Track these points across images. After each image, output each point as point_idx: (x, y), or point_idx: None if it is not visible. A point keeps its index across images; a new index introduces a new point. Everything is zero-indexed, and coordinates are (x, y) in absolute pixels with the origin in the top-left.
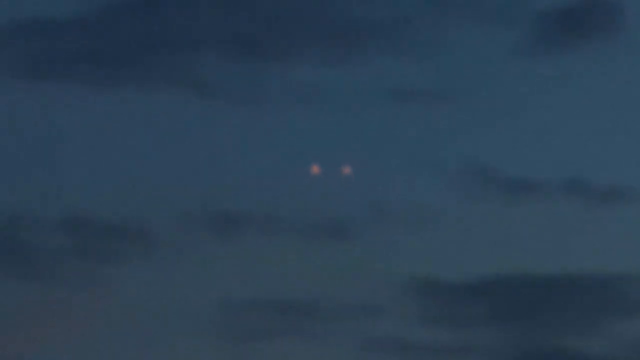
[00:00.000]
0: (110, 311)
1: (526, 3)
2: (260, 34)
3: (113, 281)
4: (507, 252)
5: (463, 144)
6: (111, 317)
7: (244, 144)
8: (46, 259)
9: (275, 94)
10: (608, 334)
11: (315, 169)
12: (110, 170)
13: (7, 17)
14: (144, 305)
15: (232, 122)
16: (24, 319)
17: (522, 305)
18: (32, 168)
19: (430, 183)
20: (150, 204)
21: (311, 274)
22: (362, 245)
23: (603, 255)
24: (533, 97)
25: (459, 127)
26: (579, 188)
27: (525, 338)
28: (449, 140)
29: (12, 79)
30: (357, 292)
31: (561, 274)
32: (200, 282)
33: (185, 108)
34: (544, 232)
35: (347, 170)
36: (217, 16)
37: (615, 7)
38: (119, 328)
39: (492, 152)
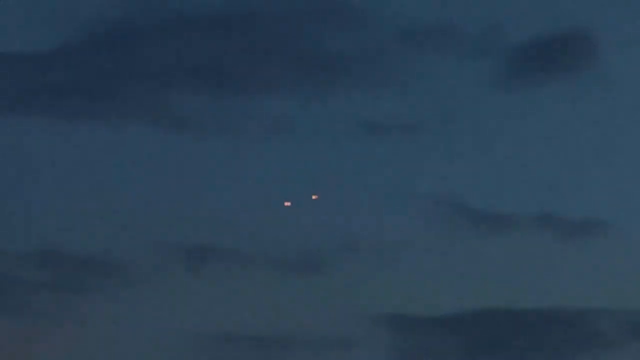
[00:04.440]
0: (83, 343)
1: (500, 37)
2: (234, 67)
3: (86, 313)
4: (478, 287)
5: (435, 178)
6: (84, 350)
7: (216, 177)
8: (19, 292)
9: (248, 126)
10: None
11: (287, 203)
12: (83, 203)
13: None
14: (116, 338)
15: (204, 154)
16: None
17: (493, 340)
18: (3, 201)
19: (402, 217)
20: (123, 237)
21: (283, 307)
22: (333, 279)
23: (575, 289)
24: (505, 130)
25: (430, 160)
26: (550, 222)
27: None
28: (421, 174)
29: None
30: (328, 326)
31: (532, 308)
32: (173, 315)
33: (157, 141)
34: (515, 266)
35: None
36: (190, 50)
37: (589, 42)
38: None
39: (463, 186)
